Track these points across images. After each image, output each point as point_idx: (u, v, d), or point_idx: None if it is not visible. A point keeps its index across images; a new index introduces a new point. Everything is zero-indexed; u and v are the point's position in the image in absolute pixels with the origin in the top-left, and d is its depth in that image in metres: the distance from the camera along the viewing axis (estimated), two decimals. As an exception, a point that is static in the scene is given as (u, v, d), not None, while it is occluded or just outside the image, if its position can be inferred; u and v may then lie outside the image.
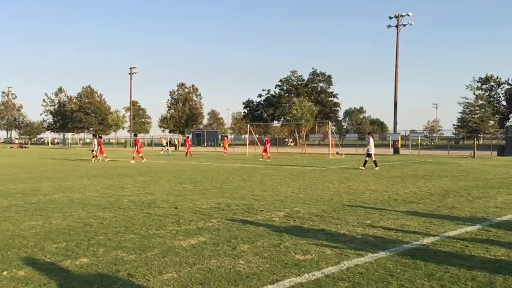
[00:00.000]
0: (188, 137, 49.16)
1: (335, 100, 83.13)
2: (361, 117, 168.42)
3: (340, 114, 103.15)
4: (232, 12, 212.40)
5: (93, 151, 29.73)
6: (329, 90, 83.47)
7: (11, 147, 72.12)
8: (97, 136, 32.04)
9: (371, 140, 21.74)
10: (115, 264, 5.36)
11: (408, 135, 58.25)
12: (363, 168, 20.73)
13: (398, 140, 43.02)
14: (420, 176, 17.09)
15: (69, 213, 8.91)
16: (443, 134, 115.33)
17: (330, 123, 44.87)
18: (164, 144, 47.63)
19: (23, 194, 11.95)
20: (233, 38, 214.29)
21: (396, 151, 40.49)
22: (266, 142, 32.69)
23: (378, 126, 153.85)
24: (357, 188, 13.16)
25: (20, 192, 12.27)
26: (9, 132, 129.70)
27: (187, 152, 38.05)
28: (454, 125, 36.12)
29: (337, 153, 36.81)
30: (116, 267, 5.24)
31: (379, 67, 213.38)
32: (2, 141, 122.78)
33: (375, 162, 21.08)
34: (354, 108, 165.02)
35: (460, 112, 34.75)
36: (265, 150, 37.09)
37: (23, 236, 6.82)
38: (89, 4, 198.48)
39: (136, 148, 29.10)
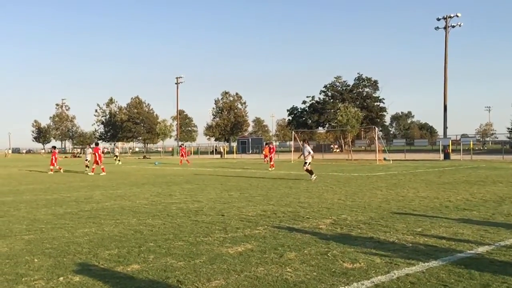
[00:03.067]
0: (182, 145, 49.66)
1: (381, 105, 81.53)
2: (409, 121, 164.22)
3: (387, 119, 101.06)
4: (275, 20, 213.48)
5: (87, 160, 28.19)
6: (375, 95, 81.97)
7: (65, 157, 75.33)
8: (91, 145, 31.33)
9: (307, 147, 19.48)
10: (165, 270, 5.47)
11: (459, 139, 56.26)
12: (311, 179, 18.21)
13: (448, 145, 41.63)
14: (473, 182, 16.44)
15: (120, 220, 9.19)
16: (497, 138, 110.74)
17: (376, 128, 44.02)
18: (116, 153, 46.15)
19: (77, 202, 12.44)
20: (277, 45, 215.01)
21: (446, 156, 39.19)
22: (271, 149, 30.40)
23: (427, 130, 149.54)
24: (406, 195, 12.82)
25: (74, 200, 12.77)
26: (63, 142, 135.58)
27: (181, 161, 38.21)
28: (508, 128, 34.57)
29: (384, 159, 36.04)
30: (166, 273, 5.35)
31: (427, 70, 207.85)
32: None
33: (309, 171, 18.75)
34: (402, 112, 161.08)
35: (514, 115, 33.28)
36: (266, 156, 36.58)
37: (77, 243, 7.09)
38: (137, 19, 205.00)
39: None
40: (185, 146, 46.64)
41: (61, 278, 5.23)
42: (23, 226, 8.65)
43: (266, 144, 42.61)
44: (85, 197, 13.48)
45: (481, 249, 6.30)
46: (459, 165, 29.20)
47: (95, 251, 6.52)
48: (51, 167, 28.11)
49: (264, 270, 5.44)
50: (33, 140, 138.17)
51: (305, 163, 19.05)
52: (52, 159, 28.54)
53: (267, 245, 6.70)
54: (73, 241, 7.23)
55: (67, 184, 18.47)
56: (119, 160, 42.84)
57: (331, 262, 5.72)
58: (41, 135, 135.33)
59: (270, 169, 27.15)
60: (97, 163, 25.69)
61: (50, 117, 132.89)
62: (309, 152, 19.28)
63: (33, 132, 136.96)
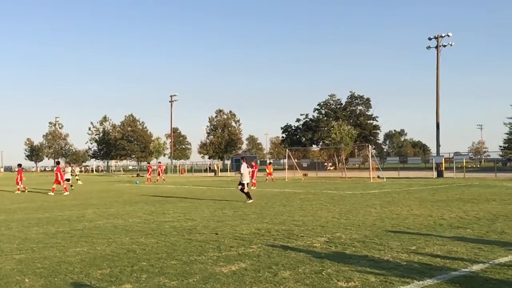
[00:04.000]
0: (149, 162, 49.57)
1: (374, 123, 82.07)
2: (402, 139, 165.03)
3: (380, 137, 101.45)
4: (268, 38, 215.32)
5: (68, 180, 27.00)
6: (368, 113, 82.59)
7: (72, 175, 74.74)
8: (70, 164, 30.37)
9: (244, 165, 17.53)
10: (158, 290, 5.40)
11: (452, 157, 56.48)
12: (250, 202, 16.72)
13: (441, 163, 41.81)
14: (467, 200, 16.48)
15: (113, 239, 9.10)
16: (489, 156, 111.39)
17: (370, 146, 44.18)
18: (77, 173, 40.88)
19: (69, 220, 12.32)
20: (271, 64, 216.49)
21: (440, 174, 39.34)
22: (254, 167, 28.83)
23: (420, 148, 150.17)
24: (400, 213, 12.82)
25: (66, 219, 12.65)
26: (55, 160, 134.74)
27: (149, 179, 38.68)
28: (500, 146, 34.84)
29: (378, 176, 36.10)
30: (159, 293, 5.29)
31: (420, 88, 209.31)
32: (50, 169, 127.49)
33: (247, 194, 17.11)
34: (395, 130, 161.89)
35: (506, 133, 33.56)
36: (269, 174, 36.69)
37: (69, 262, 7.00)
38: (131, 37, 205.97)
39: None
40: (161, 163, 45.44)
41: (52, 299, 5.15)
42: (14, 245, 8.54)
43: (269, 163, 41.90)
44: (77, 216, 13.36)
45: (475, 267, 6.29)
46: (452, 182, 29.31)
47: (87, 270, 6.44)
48: (18, 186, 26.31)
49: (258, 289, 5.38)
50: (25, 159, 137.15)
51: (241, 184, 17.05)
52: (17, 177, 26.59)
53: (261, 264, 6.65)
54: (65, 260, 7.14)
55: (59, 203, 18.30)
56: (78, 179, 38.30)
57: (325, 281, 5.68)
58: (34, 153, 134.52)
59: (253, 187, 25.37)
60: (59, 183, 24.58)
61: (43, 135, 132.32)
62: (247, 171, 17.61)
63: (25, 150, 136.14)
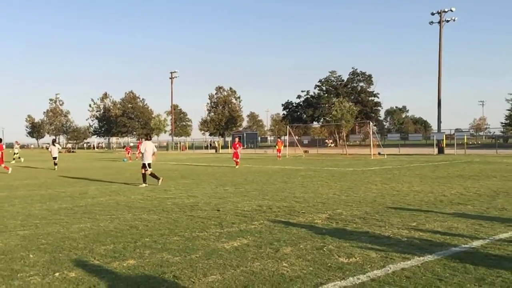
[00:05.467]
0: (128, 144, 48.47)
1: (376, 99, 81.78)
2: (404, 116, 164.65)
3: (381, 114, 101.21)
4: (268, 14, 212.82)
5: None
6: (369, 90, 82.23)
7: (59, 152, 74.99)
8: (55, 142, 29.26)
9: (149, 144, 15.94)
10: (161, 266, 5.47)
11: (453, 134, 56.46)
12: (142, 186, 15.05)
13: (442, 140, 41.79)
14: (467, 177, 16.53)
15: (115, 215, 9.17)
16: (490, 133, 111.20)
17: (371, 123, 44.12)
18: (16, 152, 39.10)
19: (72, 197, 12.39)
20: (272, 40, 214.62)
21: (440, 150, 39.37)
22: (236, 146, 25.81)
23: (421, 125, 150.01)
24: (401, 189, 12.87)
25: (69, 196, 12.73)
26: (57, 137, 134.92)
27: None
28: (502, 123, 34.75)
29: (379, 153, 36.15)
30: (162, 269, 5.35)
31: (421, 65, 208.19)
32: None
33: (152, 175, 15.58)
34: (396, 107, 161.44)
35: (508, 109, 33.42)
36: (279, 150, 36.50)
37: (73, 238, 7.07)
38: (131, 13, 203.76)
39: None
40: (140, 141, 44.84)
41: (56, 274, 5.21)
42: (18, 222, 8.61)
43: (278, 138, 40.66)
44: (80, 192, 13.43)
45: (475, 243, 6.34)
46: (453, 159, 29.35)
47: (90, 246, 6.51)
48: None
49: (260, 265, 5.45)
50: (27, 135, 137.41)
51: (144, 165, 15.60)
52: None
53: (263, 240, 6.71)
54: (69, 236, 7.21)
55: (62, 179, 18.39)
56: (19, 157, 37.35)
57: (326, 257, 5.74)
58: (35, 130, 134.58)
59: (236, 166, 24.56)
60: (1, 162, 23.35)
61: (44, 112, 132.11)
62: (151, 149, 15.93)
63: (27, 127, 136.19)
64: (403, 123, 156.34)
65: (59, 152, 29.87)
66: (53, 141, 29.83)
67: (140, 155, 16.12)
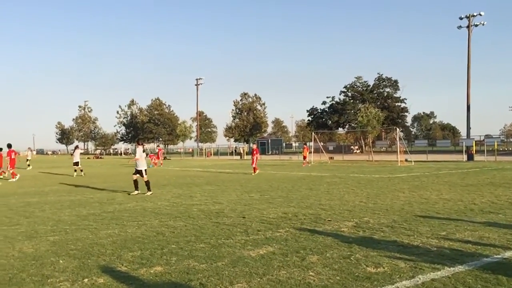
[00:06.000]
0: (159, 146, 48.33)
1: (402, 105, 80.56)
2: (431, 122, 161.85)
3: (408, 120, 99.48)
4: (294, 20, 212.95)
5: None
6: (396, 95, 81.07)
7: (88, 158, 76.43)
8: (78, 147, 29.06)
9: (140, 149, 15.40)
10: (188, 273, 5.49)
11: (483, 140, 55.21)
12: (149, 193, 14.55)
13: (472, 146, 40.88)
14: (498, 184, 16.10)
15: (142, 222, 9.28)
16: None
17: (397, 129, 43.49)
18: (29, 158, 38.66)
19: (100, 203, 12.60)
20: (297, 46, 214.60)
21: (470, 157, 38.47)
22: (254, 152, 25.51)
23: (449, 131, 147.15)
24: (429, 197, 12.62)
25: (97, 201, 12.95)
26: (85, 143, 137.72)
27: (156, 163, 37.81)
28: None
29: (406, 160, 35.57)
30: (189, 276, 5.37)
31: (450, 70, 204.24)
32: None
33: (146, 183, 14.85)
34: (423, 113, 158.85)
35: (541, 115, 32.36)
36: (305, 157, 35.84)
37: (101, 244, 7.18)
38: (158, 21, 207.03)
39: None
40: (160, 147, 45.02)
41: (85, 280, 5.29)
42: (48, 227, 8.80)
43: (304, 144, 39.80)
44: (108, 198, 13.65)
45: (508, 254, 6.15)
46: (483, 166, 28.65)
47: (118, 252, 6.59)
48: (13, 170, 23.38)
49: (287, 273, 5.41)
50: (56, 142, 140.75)
51: (138, 171, 15.03)
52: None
53: (289, 248, 6.67)
54: (97, 242, 7.32)
55: (90, 185, 18.72)
56: (28, 165, 36.72)
57: (354, 266, 5.66)
58: (65, 136, 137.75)
59: (252, 173, 24.27)
60: (13, 167, 23.12)
61: (73, 119, 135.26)
62: (143, 156, 15.39)
63: (56, 133, 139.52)
64: (430, 129, 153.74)
65: (87, 158, 30.35)
66: (76, 147, 29.91)
67: (136, 161, 15.29)
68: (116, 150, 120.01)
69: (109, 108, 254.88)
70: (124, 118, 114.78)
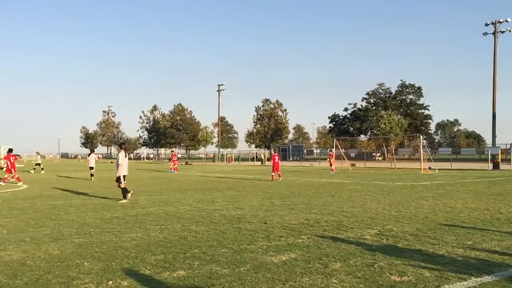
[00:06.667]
0: (173, 151, 47.78)
1: (426, 112, 79.49)
2: (455, 129, 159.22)
3: (432, 127, 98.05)
4: (316, 28, 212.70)
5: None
6: (419, 102, 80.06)
7: (111, 162, 77.50)
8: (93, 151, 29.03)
9: (122, 155, 14.68)
10: (210, 277, 5.51)
11: (509, 148, 53.91)
12: (123, 202, 13.90)
13: (498, 154, 39.98)
14: (526, 194, 15.70)
15: (165, 226, 9.35)
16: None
17: (421, 136, 42.87)
18: (39, 162, 38.65)
19: (123, 207, 12.75)
20: (319, 53, 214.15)
21: (496, 166, 37.64)
22: (274, 158, 25.31)
23: (474, 139, 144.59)
24: (454, 206, 12.40)
25: (121, 205, 13.10)
26: (109, 148, 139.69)
27: (174, 168, 37.48)
28: None
29: (430, 168, 35.01)
30: (211, 280, 5.39)
31: (475, 77, 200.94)
32: (102, 156, 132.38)
33: (123, 190, 14.31)
34: (447, 120, 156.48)
35: None
36: (331, 164, 35.33)
37: (125, 247, 7.26)
38: (180, 28, 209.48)
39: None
40: (174, 152, 44.90)
41: (110, 282, 5.36)
42: (73, 230, 8.95)
43: (330, 150, 38.66)
44: (131, 202, 13.79)
45: (537, 265, 5.99)
46: (509, 175, 28.01)
47: (142, 256, 6.65)
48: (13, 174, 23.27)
49: (309, 280, 5.38)
50: (81, 146, 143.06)
51: (117, 178, 14.48)
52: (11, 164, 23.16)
53: (311, 255, 6.63)
54: (121, 245, 7.41)
55: (113, 189, 18.95)
56: (36, 167, 37.48)
57: (378, 274, 5.59)
58: (89, 140, 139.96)
59: (272, 180, 23.99)
60: (10, 172, 22.74)
61: (97, 123, 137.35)
62: (126, 161, 14.75)
63: (81, 138, 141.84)
64: (454, 137, 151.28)
65: (110, 162, 30.74)
66: (92, 151, 29.91)
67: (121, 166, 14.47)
68: (138, 155, 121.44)
69: (132, 113, 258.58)
70: (146, 123, 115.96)
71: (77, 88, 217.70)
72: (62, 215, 11.05)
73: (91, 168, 26.65)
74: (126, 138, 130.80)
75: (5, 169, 23.80)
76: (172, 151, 48.81)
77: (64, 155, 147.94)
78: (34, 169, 36.86)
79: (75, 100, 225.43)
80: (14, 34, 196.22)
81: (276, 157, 25.42)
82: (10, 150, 23.78)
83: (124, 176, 14.53)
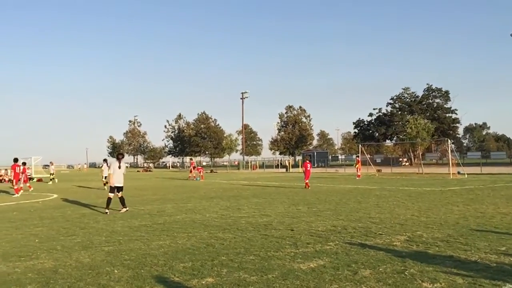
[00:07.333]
0: (191, 159, 48.22)
1: (454, 116, 78.00)
2: (484, 133, 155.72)
3: (460, 131, 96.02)
4: (340, 33, 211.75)
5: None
6: (446, 106, 78.65)
7: (137, 171, 78.60)
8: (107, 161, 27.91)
9: (114, 165, 13.99)
10: (239, 285, 5.50)
11: (542, 151, 52.36)
12: (123, 210, 13.66)
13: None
14: (561, 198, 15.20)
15: (192, 233, 9.40)
16: None
17: (449, 140, 42.06)
18: (52, 172, 37.71)
19: (151, 215, 12.89)
20: (342, 58, 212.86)
21: (527, 169, 36.59)
22: (306, 165, 24.40)
23: (504, 142, 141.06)
24: (486, 211, 12.09)
25: (148, 213, 13.25)
26: (135, 157, 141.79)
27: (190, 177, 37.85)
28: None
29: (459, 172, 34.31)
30: (240, 288, 5.38)
31: (503, 79, 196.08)
32: (128, 165, 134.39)
33: (121, 199, 13.87)
34: (476, 124, 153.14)
35: None
36: (358, 169, 35.01)
37: (153, 255, 7.33)
38: (203, 36, 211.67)
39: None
40: (192, 160, 45.36)
41: (140, 289, 5.41)
42: (102, 238, 9.08)
43: (356, 156, 37.80)
44: (158, 210, 13.94)
45: None
46: (542, 179, 27.16)
47: (170, 263, 6.70)
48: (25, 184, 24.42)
49: (339, 287, 5.31)
50: (108, 155, 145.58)
51: (117, 188, 13.92)
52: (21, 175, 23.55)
53: (340, 262, 6.55)
54: (149, 253, 7.48)
55: (140, 197, 19.21)
56: (53, 179, 36.83)
57: (409, 281, 5.48)
58: (115, 150, 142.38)
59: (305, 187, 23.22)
60: (25, 181, 22.66)
61: (124, 133, 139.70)
62: (123, 170, 14.15)
63: (108, 147, 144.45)
64: (483, 141, 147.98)
65: (136, 171, 31.09)
66: (104, 160, 30.24)
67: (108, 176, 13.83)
68: (164, 164, 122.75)
69: (157, 122, 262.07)
70: (171, 132, 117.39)
71: (105, 99, 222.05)
72: (91, 224, 11.24)
73: (105, 177, 25.47)
74: (151, 147, 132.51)
75: (21, 179, 23.89)
76: (191, 159, 49.27)
77: (92, 165, 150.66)
78: (51, 179, 36.89)
79: (102, 111, 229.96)
80: (46, 51, 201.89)
81: (308, 165, 24.46)
82: (15, 160, 23.29)
83: (117, 188, 13.84)
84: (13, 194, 22.06)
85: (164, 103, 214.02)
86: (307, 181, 23.76)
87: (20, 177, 23.45)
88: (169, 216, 12.40)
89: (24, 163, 26.33)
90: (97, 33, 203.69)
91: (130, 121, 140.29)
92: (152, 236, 9.13)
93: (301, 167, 38.79)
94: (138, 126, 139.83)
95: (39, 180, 37.40)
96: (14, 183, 23.25)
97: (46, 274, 6.23)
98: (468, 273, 5.80)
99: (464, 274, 5.73)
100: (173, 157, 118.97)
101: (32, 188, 25.79)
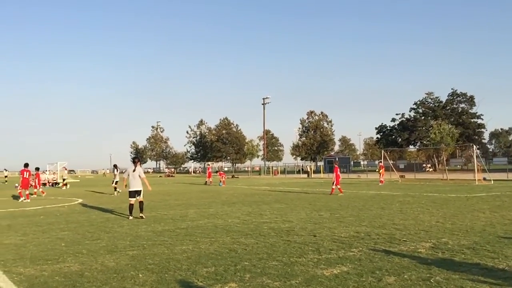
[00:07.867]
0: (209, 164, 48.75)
1: (479, 121, 76.55)
2: (511, 138, 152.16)
3: (485, 136, 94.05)
4: (362, 38, 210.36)
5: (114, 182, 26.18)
6: (471, 111, 77.26)
7: (160, 176, 79.39)
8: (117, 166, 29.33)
9: (138, 168, 13.87)
10: (262, 290, 5.50)
11: None
12: (141, 215, 13.47)
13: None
14: None
15: (215, 238, 9.45)
16: None
17: (474, 146, 41.27)
18: (65, 178, 38.11)
19: (174, 219, 13.00)
20: (363, 63, 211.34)
21: (557, 176, 35.62)
22: (336, 170, 22.87)
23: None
24: (513, 218, 11.81)
25: (171, 218, 13.37)
26: (158, 162, 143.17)
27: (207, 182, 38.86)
28: None
29: (484, 178, 33.61)
30: (263, 293, 5.38)
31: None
32: (151, 171, 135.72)
33: (140, 204, 13.72)
34: (502, 129, 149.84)
35: None
36: (381, 174, 34.06)
37: (177, 259, 7.39)
38: (224, 42, 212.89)
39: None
40: (209, 166, 46.37)
41: (164, 293, 5.46)
42: (126, 242, 9.20)
43: (380, 162, 36.98)
44: (180, 215, 14.05)
45: None
46: None
47: (193, 268, 6.74)
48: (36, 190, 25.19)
49: (363, 294, 5.27)
50: (131, 161, 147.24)
51: (137, 192, 13.73)
52: (35, 181, 25.00)
53: (364, 268, 6.49)
54: (173, 257, 7.54)
55: (163, 202, 19.39)
56: (66, 185, 37.25)
57: (434, 289, 5.40)
58: (138, 155, 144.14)
59: (340, 194, 21.93)
60: (25, 187, 22.63)
61: (147, 139, 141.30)
62: (141, 173, 14.03)
63: (131, 153, 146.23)
64: (510, 146, 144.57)
65: (159, 176, 31.66)
66: (115, 166, 30.20)
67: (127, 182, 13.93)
68: (186, 169, 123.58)
69: (179, 128, 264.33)
70: (193, 137, 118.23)
71: (128, 105, 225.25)
72: (116, 228, 11.40)
73: (116, 182, 26.43)
74: (174, 153, 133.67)
75: (33, 184, 24.59)
76: (208, 164, 49.77)
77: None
78: (65, 185, 37.27)
79: (126, 116, 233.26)
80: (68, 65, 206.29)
81: (338, 169, 22.99)
82: (26, 165, 23.11)
83: (135, 192, 13.71)
84: (39, 196, 22.60)
85: (186, 108, 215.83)
86: (338, 186, 22.43)
87: (31, 183, 23.82)
88: (192, 221, 12.49)
89: (37, 169, 26.90)
90: (120, 44, 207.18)
91: (152, 127, 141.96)
92: (175, 241, 9.21)
93: (328, 172, 38.21)
94: (161, 131, 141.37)
95: (64, 185, 38.26)
96: (19, 187, 23.35)
97: (73, 278, 6.34)
98: (496, 281, 5.68)
99: (492, 282, 5.62)
100: (195, 162, 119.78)
101: (45, 193, 26.39)
